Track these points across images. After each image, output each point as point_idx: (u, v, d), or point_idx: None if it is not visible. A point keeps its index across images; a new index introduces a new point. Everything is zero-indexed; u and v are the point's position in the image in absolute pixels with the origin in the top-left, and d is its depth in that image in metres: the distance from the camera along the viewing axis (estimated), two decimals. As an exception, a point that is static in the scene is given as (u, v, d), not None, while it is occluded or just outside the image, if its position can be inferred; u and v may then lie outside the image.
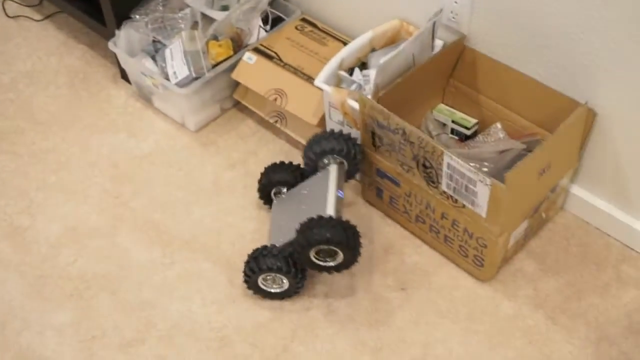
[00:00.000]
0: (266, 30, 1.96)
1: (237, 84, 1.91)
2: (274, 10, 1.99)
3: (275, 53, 1.87)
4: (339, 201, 1.54)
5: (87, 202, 1.77)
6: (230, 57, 1.88)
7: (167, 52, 1.86)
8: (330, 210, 1.50)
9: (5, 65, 2.13)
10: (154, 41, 1.94)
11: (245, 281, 1.54)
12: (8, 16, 2.28)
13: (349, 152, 1.57)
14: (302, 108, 1.77)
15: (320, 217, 1.45)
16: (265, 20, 1.97)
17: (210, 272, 1.62)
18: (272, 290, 1.54)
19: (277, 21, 1.99)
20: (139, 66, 1.89)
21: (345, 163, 1.60)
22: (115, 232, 1.71)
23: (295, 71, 1.82)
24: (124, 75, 2.05)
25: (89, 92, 2.04)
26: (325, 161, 1.60)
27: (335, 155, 1.58)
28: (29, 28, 2.25)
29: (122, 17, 1.93)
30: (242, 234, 1.69)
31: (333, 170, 1.57)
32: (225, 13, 1.91)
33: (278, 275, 1.50)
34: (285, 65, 1.83)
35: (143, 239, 1.69)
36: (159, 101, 1.95)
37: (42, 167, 1.85)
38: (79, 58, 2.15)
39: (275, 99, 1.80)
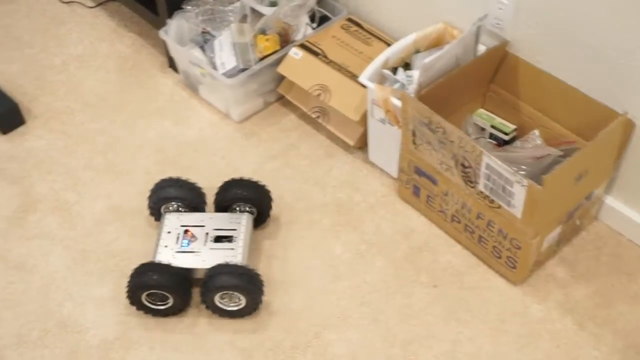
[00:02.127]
0: (313, 28, 2.00)
1: (281, 78, 1.96)
2: (321, 9, 2.04)
3: (321, 50, 1.91)
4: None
5: (131, 183, 1.83)
6: (277, 51, 1.93)
7: (217, 43, 1.92)
8: (243, 261, 1.55)
9: (58, 48, 2.20)
10: (203, 32, 1.99)
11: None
12: (62, 1, 2.36)
13: (193, 198, 1.65)
14: (344, 104, 1.81)
15: (230, 265, 1.51)
16: (312, 18, 2.02)
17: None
18: (229, 309, 1.55)
19: (323, 19, 2.04)
20: (189, 55, 1.94)
21: (255, 211, 1.66)
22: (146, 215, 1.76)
23: (340, 68, 1.86)
24: (172, 64, 2.10)
25: (138, 78, 2.11)
26: (237, 208, 1.65)
27: (248, 204, 1.65)
28: (81, 14, 2.32)
29: (174, 7, 1.99)
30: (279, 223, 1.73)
31: (248, 220, 1.63)
32: (274, 8, 1.96)
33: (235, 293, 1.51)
34: (330, 62, 1.88)
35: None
36: (205, 91, 2.01)
37: (90, 147, 1.91)
38: (129, 45, 2.21)
39: (319, 95, 1.84)
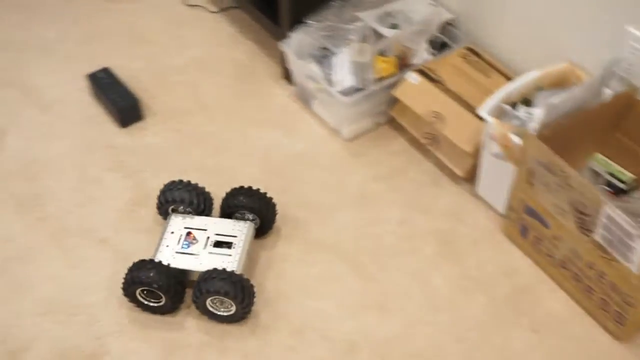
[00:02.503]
0: (432, 54, 2.00)
1: (395, 101, 1.96)
2: (441, 36, 2.03)
3: (439, 77, 1.90)
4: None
5: (235, 185, 1.86)
6: (394, 74, 1.93)
7: (336, 60, 1.93)
8: (238, 269, 1.58)
9: (179, 49, 2.27)
10: (322, 47, 2.02)
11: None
12: (187, 4, 2.43)
13: (199, 203, 1.67)
14: (458, 134, 1.80)
15: (224, 271, 1.54)
16: (432, 44, 2.01)
17: (346, 276, 1.67)
18: (219, 313, 1.56)
19: (443, 46, 2.03)
20: (306, 69, 1.97)
21: (258, 220, 1.69)
22: (261, 222, 1.78)
23: (456, 98, 1.85)
24: (287, 76, 2.14)
25: (252, 86, 2.15)
26: (240, 215, 1.68)
27: (251, 213, 1.67)
28: (204, 18, 2.39)
29: (296, 20, 2.02)
30: (381, 245, 1.73)
31: (250, 228, 1.66)
32: (396, 31, 1.97)
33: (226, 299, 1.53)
34: (447, 90, 1.86)
35: (286, 233, 1.76)
36: (318, 105, 2.03)
37: (202, 149, 1.96)
38: (246, 53, 2.26)
39: (433, 122, 1.83)
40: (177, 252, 1.61)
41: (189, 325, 1.59)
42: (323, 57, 2.00)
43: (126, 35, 2.32)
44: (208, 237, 1.64)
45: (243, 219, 1.69)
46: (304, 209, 1.81)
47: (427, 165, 1.92)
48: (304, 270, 1.69)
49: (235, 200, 1.68)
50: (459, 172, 1.85)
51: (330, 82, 1.92)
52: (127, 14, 2.39)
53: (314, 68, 1.96)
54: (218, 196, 1.75)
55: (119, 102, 2.01)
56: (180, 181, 1.71)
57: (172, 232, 1.65)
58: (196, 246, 1.62)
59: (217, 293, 1.51)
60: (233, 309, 1.54)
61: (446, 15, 2.04)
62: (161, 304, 1.57)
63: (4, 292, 1.65)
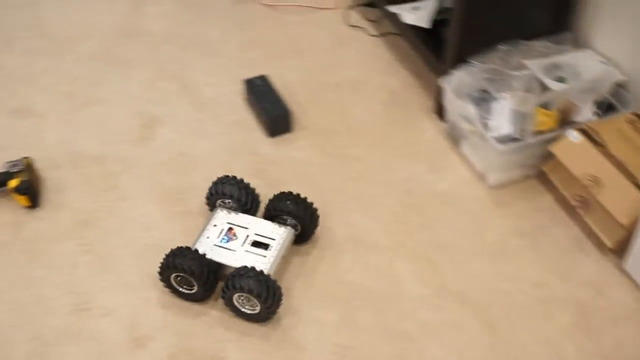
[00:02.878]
0: (597, 114, 1.91)
1: (550, 157, 1.88)
2: (610, 97, 1.94)
3: (602, 140, 1.81)
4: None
5: (374, 217, 1.84)
6: (553, 129, 1.86)
7: (495, 105, 1.88)
8: (269, 270, 1.60)
9: (336, 68, 2.28)
10: (482, 90, 1.97)
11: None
12: (348, 25, 2.45)
13: (247, 202, 1.72)
14: (614, 203, 1.70)
15: (255, 270, 1.56)
16: (598, 104, 1.92)
17: (473, 330, 1.61)
18: (244, 310, 1.59)
19: (610, 108, 1.93)
20: (463, 109, 1.93)
21: (299, 227, 1.71)
22: (393, 255, 1.76)
23: (618, 164, 1.75)
24: (439, 111, 2.10)
25: (402, 116, 2.13)
26: (282, 220, 1.72)
27: (294, 219, 1.70)
28: (363, 40, 2.39)
29: (460, 59, 1.99)
30: (513, 303, 1.66)
31: (289, 233, 1.68)
32: (563, 85, 1.89)
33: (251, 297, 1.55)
34: (609, 155, 1.77)
35: (418, 272, 1.72)
36: (468, 147, 1.98)
37: (344, 171, 1.96)
38: (400, 81, 2.24)
39: (588, 185, 1.75)
40: (215, 245, 1.66)
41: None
42: (482, 99, 1.95)
43: (287, 46, 2.36)
44: (247, 236, 1.67)
45: (285, 223, 1.71)
46: (437, 249, 1.77)
47: (572, 229, 1.83)
48: (430, 313, 1.64)
49: (281, 204, 1.71)
50: (608, 242, 1.75)
51: (486, 126, 1.87)
52: (290, 25, 2.44)
53: (471, 109, 1.92)
54: (349, 222, 1.73)
55: (271, 111, 2.04)
56: (234, 177, 1.75)
57: (215, 225, 1.70)
58: (235, 242, 1.66)
59: (246, 291, 1.53)
60: (258, 308, 1.56)
61: (618, 77, 1.95)
62: (193, 292, 1.61)
63: (138, 277, 1.70)
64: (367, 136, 2.07)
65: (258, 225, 1.70)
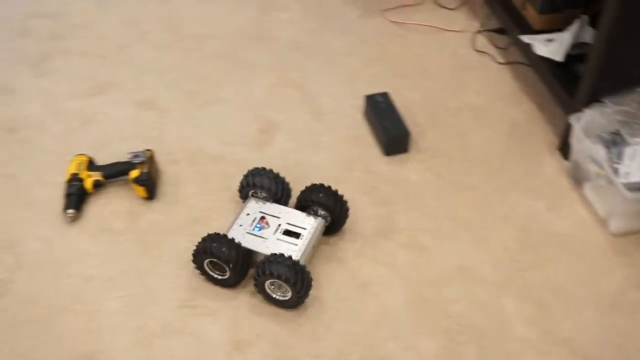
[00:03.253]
0: None
1: (680, 210, 1.78)
2: None
3: None
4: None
5: (485, 250, 1.79)
6: (688, 181, 1.75)
7: (629, 150, 1.80)
8: (300, 258, 1.65)
9: (459, 92, 2.24)
10: (614, 132, 1.88)
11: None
12: (475, 49, 2.40)
13: (277, 191, 1.77)
14: None
15: (287, 257, 1.60)
16: None
17: (581, 382, 1.54)
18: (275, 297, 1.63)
19: None
20: (592, 150, 1.85)
21: (329, 218, 1.75)
22: (502, 292, 1.70)
23: None
24: (563, 149, 2.02)
25: (523, 149, 2.06)
26: (313, 210, 1.76)
27: (324, 210, 1.75)
28: (489, 67, 2.34)
29: (593, 97, 1.91)
30: (627, 361, 1.58)
31: (320, 224, 1.72)
32: (703, 136, 1.78)
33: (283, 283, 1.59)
34: None
35: (526, 313, 1.66)
36: (591, 189, 1.90)
37: (458, 199, 1.91)
38: (524, 113, 2.18)
39: None
40: (247, 233, 1.70)
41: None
42: (613, 142, 1.86)
43: (410, 64, 2.33)
44: (279, 225, 1.72)
45: (316, 214, 1.75)
46: (549, 292, 1.70)
47: (698, 289, 1.72)
48: (534, 358, 1.58)
49: (313, 195, 1.75)
50: None
51: (615, 171, 1.79)
52: (415, 44, 2.41)
53: (601, 152, 1.83)
54: (458, 252, 1.68)
55: (390, 130, 2.02)
56: (264, 168, 1.81)
57: (248, 214, 1.75)
58: (267, 230, 1.71)
59: (279, 277, 1.56)
60: (289, 295, 1.60)
61: None
62: (225, 277, 1.66)
63: (245, 281, 1.71)
64: (485, 165, 2.01)
65: (289, 215, 1.74)
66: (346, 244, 1.80)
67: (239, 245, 1.65)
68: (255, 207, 1.77)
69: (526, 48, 2.14)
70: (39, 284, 1.71)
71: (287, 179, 1.89)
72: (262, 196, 1.81)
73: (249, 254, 1.67)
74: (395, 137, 2.01)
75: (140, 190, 1.88)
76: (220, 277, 1.67)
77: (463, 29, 2.48)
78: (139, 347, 1.58)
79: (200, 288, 1.69)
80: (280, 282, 1.58)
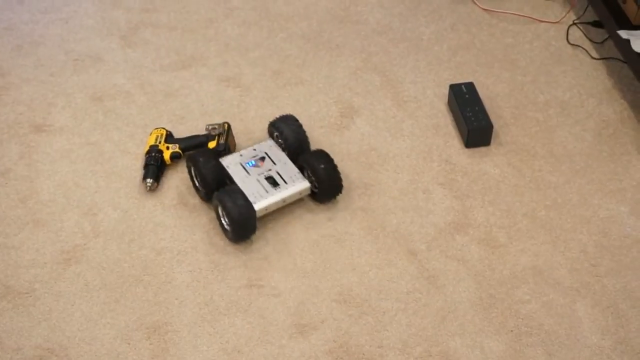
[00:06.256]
0: None
1: None
2: None
3: None
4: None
5: (562, 252, 1.73)
6: None
7: None
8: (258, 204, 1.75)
9: (547, 86, 2.16)
10: None
11: None
12: (569, 42, 2.30)
13: (292, 145, 1.84)
14: None
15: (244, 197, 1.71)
16: None
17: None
18: None
19: None
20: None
21: (316, 189, 1.80)
22: (576, 297, 1.64)
23: None
24: (655, 152, 1.92)
25: (611, 149, 1.97)
26: (307, 173, 1.81)
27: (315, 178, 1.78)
28: (582, 61, 2.24)
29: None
30: None
31: (302, 187, 1.79)
32: None
33: None
34: None
35: (600, 321, 1.60)
36: (682, 197, 1.80)
37: (537, 197, 1.85)
38: (616, 112, 2.08)
39: None
40: (240, 163, 1.82)
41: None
42: None
43: (499, 55, 2.26)
44: (270, 170, 1.81)
45: (309, 178, 1.80)
46: (626, 300, 1.63)
47: None
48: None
49: (311, 158, 1.80)
50: None
51: None
52: (506, 34, 2.33)
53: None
54: (533, 252, 1.63)
55: (473, 121, 1.96)
56: (291, 116, 1.90)
57: (254, 149, 1.86)
58: (256, 169, 1.80)
59: (224, 207, 1.70)
60: (228, 229, 1.73)
61: None
62: (199, 188, 1.81)
63: (314, 266, 1.71)
64: (569, 164, 1.94)
65: (285, 167, 1.82)
66: (418, 236, 1.77)
67: (221, 168, 1.78)
68: (265, 146, 1.87)
69: (623, 44, 2.04)
70: (113, 252, 1.75)
71: (361, 165, 1.87)
72: (279, 142, 1.88)
73: (224, 178, 1.79)
74: (478, 129, 1.96)
75: (217, 162, 1.91)
76: (198, 187, 1.82)
77: (558, 20, 2.38)
78: (204, 322, 1.61)
79: (268, 269, 1.70)
80: (225, 211, 1.69)
